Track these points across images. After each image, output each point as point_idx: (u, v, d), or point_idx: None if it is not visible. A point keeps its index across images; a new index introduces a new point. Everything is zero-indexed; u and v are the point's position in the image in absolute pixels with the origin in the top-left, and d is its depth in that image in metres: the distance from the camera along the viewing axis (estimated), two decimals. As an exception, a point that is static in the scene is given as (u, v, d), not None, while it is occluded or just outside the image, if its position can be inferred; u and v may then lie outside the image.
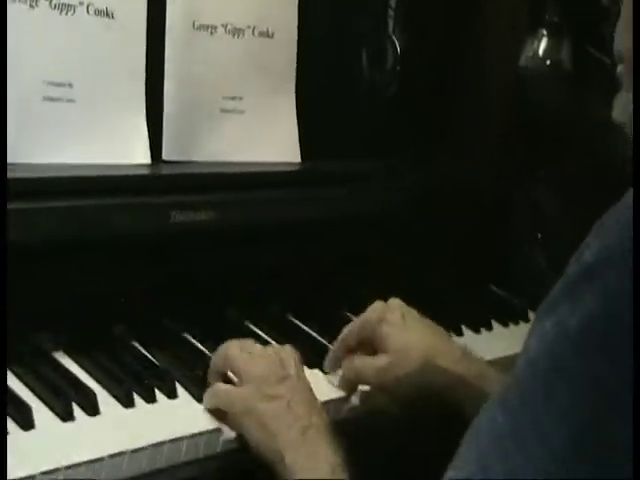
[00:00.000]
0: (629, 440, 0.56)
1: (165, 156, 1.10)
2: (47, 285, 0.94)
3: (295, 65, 1.22)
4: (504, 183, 1.42)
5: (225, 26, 1.15)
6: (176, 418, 0.90)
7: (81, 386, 0.90)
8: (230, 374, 0.93)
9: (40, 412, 0.84)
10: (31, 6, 1.00)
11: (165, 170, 1.09)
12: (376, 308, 1.05)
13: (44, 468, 0.77)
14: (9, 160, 0.93)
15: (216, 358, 0.95)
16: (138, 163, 1.07)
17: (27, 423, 0.82)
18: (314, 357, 1.07)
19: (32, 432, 0.82)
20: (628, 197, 0.60)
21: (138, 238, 1.02)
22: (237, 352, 0.93)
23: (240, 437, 0.89)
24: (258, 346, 0.96)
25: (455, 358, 1.01)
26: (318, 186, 1.19)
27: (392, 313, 1.04)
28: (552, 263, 1.41)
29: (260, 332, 1.11)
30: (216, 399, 0.91)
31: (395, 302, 1.07)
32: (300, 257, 1.16)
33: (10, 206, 0.87)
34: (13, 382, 0.88)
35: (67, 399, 0.86)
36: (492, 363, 1.08)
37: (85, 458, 0.79)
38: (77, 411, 0.86)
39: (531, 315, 1.32)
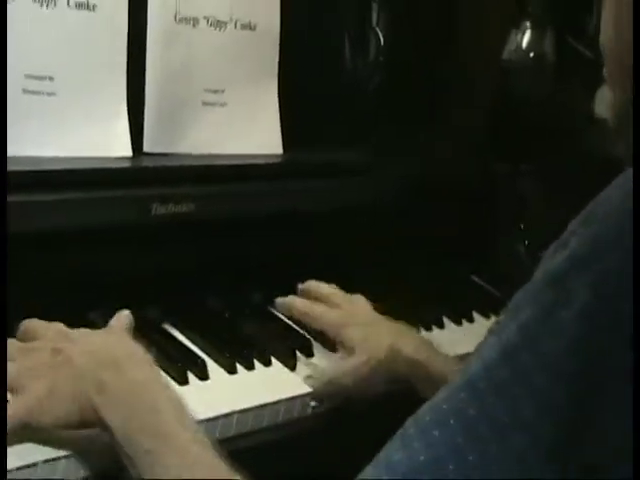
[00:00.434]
0: (615, 436, 0.56)
1: (146, 148, 1.10)
2: (25, 277, 0.94)
3: (277, 57, 1.22)
4: (487, 175, 1.43)
5: (207, 19, 1.15)
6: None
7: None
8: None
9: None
10: (12, -1, 1.01)
11: (146, 162, 1.09)
12: (340, 313, 1.10)
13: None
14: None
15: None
16: (119, 156, 1.08)
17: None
18: (296, 348, 1.09)
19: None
20: (614, 187, 0.61)
21: (119, 231, 1.02)
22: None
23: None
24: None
25: (419, 347, 1.05)
26: (299, 178, 1.19)
27: (353, 314, 1.09)
28: (534, 254, 1.42)
29: (241, 323, 1.12)
30: None
31: (355, 301, 1.13)
32: (282, 249, 1.17)
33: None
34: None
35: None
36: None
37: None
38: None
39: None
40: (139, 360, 0.84)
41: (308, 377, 1.05)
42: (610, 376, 0.56)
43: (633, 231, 0.57)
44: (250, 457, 0.86)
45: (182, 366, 0.99)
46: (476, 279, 1.42)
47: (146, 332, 1.03)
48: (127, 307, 1.04)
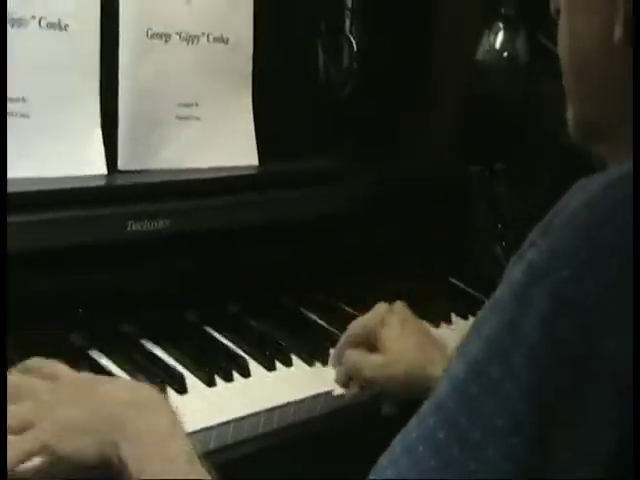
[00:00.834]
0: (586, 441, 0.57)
1: (121, 166, 1.11)
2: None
3: (251, 69, 1.23)
4: (462, 176, 1.44)
5: (179, 34, 1.16)
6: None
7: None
8: None
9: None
10: (-18, 21, 1.01)
11: (120, 180, 1.10)
12: (379, 310, 1.12)
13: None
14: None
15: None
16: (94, 174, 1.09)
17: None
18: (276, 357, 1.10)
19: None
20: (570, 196, 0.61)
21: (95, 248, 1.03)
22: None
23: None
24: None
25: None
26: (275, 188, 1.20)
27: (393, 316, 1.11)
28: (512, 254, 1.43)
29: (219, 335, 1.14)
30: None
31: (398, 306, 1.14)
32: (259, 260, 1.18)
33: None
34: None
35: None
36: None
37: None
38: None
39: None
40: (158, 405, 0.84)
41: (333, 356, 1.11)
42: (571, 382, 0.57)
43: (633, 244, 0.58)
44: (230, 470, 0.88)
45: (161, 381, 1.00)
46: (454, 281, 1.43)
47: (124, 348, 1.05)
48: (105, 324, 1.06)
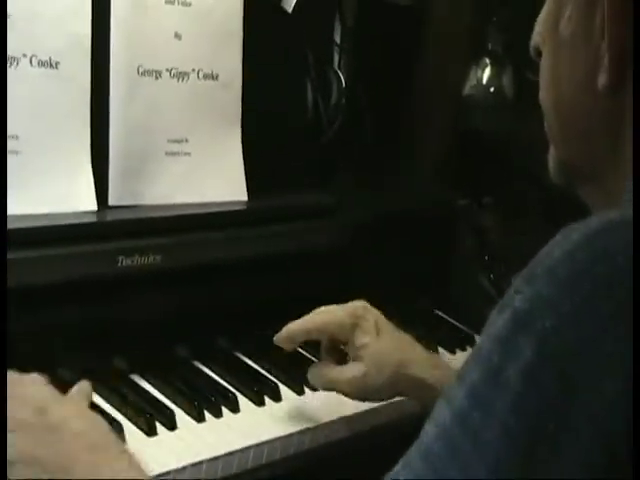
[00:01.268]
0: None
1: (112, 201, 1.12)
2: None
3: (240, 105, 1.25)
4: (451, 209, 1.46)
5: (170, 70, 1.17)
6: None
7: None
8: None
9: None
10: (-26, 60, 1.02)
11: (111, 216, 1.11)
12: (351, 313, 1.06)
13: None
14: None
15: None
16: (85, 210, 1.09)
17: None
18: (264, 393, 1.11)
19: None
20: (554, 244, 0.62)
21: (86, 284, 1.04)
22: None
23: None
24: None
25: (427, 367, 1.04)
26: (264, 223, 1.21)
27: (366, 320, 1.05)
28: (499, 286, 1.44)
29: (209, 371, 1.15)
30: None
31: (367, 308, 1.08)
32: (248, 294, 1.19)
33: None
34: None
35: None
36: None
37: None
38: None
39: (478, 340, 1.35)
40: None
41: (310, 373, 1.06)
42: (553, 431, 0.58)
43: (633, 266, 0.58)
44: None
45: (151, 417, 1.01)
46: (441, 313, 1.44)
47: (113, 383, 1.06)
48: (95, 358, 1.07)
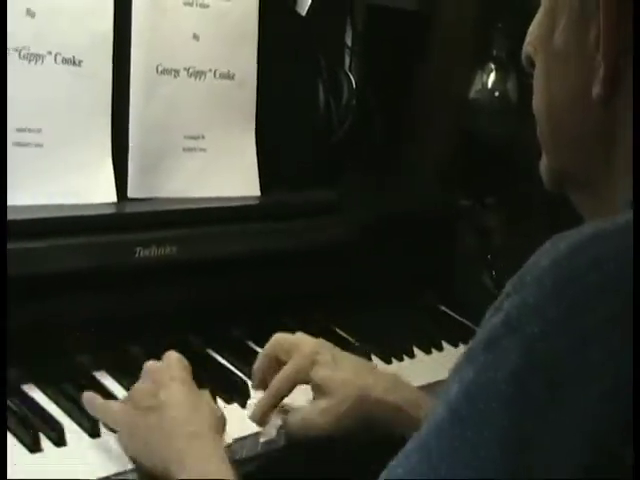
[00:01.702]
0: None
1: (130, 194, 1.16)
2: (10, 321, 0.97)
3: (255, 104, 1.29)
4: (455, 209, 1.50)
5: (187, 69, 1.22)
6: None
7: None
8: None
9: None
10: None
11: (130, 208, 1.15)
12: (305, 353, 1.05)
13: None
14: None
15: None
16: (104, 202, 1.14)
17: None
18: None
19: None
20: (542, 253, 0.62)
21: (104, 274, 1.08)
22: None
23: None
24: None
25: (388, 389, 1.04)
26: (277, 218, 1.25)
27: (322, 355, 1.06)
28: (500, 284, 1.48)
29: (221, 359, 1.18)
30: (99, 414, 0.98)
31: (321, 342, 1.08)
32: (261, 287, 1.23)
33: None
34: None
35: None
36: (441, 384, 1.14)
37: None
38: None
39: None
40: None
41: (282, 413, 1.05)
42: (540, 433, 0.59)
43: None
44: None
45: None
46: (445, 309, 1.48)
47: (130, 370, 1.09)
48: (112, 349, 1.11)
